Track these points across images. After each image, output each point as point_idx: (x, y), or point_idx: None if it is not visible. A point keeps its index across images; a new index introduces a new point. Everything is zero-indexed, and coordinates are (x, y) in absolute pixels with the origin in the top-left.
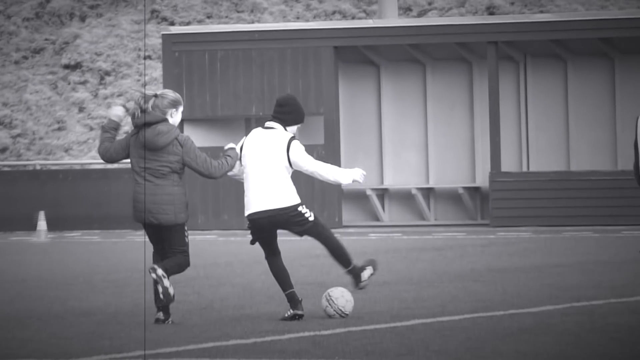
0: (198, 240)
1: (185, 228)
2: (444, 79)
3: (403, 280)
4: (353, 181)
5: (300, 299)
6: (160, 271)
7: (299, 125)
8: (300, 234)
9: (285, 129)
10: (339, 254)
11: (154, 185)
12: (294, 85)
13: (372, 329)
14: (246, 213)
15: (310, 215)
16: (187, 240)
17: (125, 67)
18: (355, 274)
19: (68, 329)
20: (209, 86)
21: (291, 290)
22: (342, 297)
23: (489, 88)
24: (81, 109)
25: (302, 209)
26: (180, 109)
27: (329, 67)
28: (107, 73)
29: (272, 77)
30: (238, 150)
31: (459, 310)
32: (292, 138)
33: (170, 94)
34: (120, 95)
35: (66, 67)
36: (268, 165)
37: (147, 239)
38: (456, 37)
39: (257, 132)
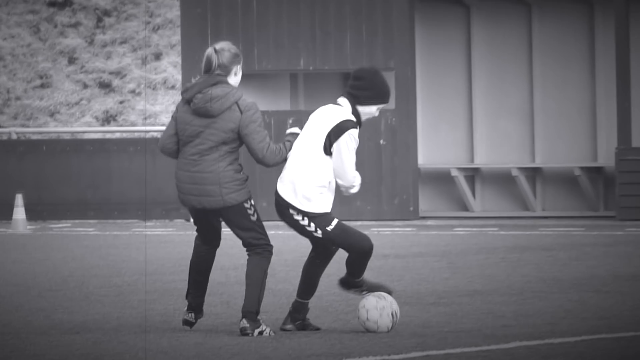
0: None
1: (247, 206)
2: (554, 24)
3: (500, 290)
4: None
5: (304, 317)
6: (257, 330)
7: (379, 107)
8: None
9: (355, 108)
10: (361, 262)
11: (193, 161)
12: (354, 32)
13: (459, 352)
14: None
15: (316, 231)
16: (254, 221)
17: (130, 5)
18: (356, 285)
19: (54, 349)
20: (242, 32)
21: (303, 301)
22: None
23: (615, 37)
24: (72, 60)
25: (304, 221)
26: (241, 64)
27: (401, 7)
28: (107, 13)
29: (326, 20)
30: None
31: (575, 330)
32: (348, 125)
33: (231, 46)
34: (123, 42)
35: (51, 4)
36: (306, 148)
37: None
38: None
39: (323, 108)
